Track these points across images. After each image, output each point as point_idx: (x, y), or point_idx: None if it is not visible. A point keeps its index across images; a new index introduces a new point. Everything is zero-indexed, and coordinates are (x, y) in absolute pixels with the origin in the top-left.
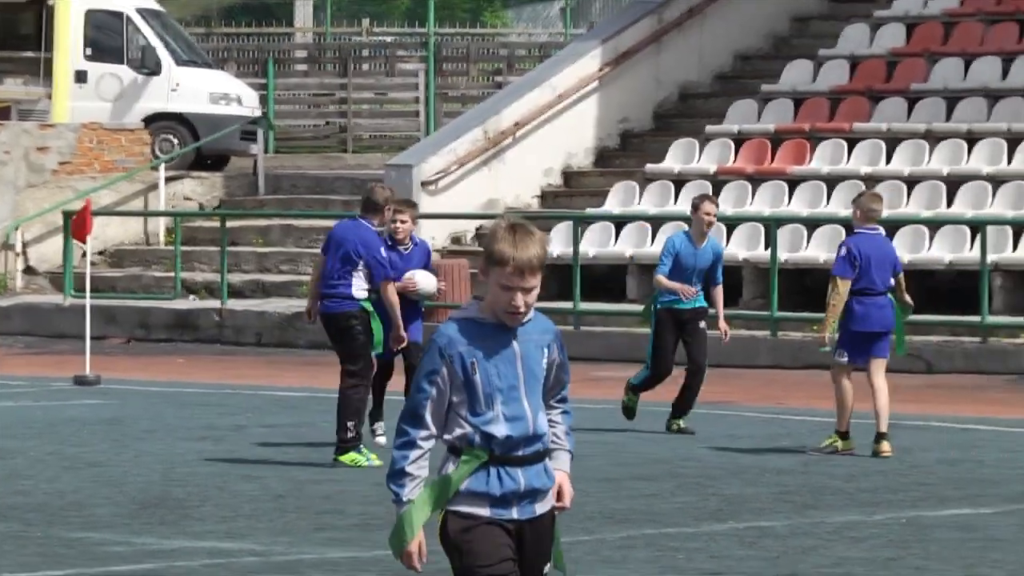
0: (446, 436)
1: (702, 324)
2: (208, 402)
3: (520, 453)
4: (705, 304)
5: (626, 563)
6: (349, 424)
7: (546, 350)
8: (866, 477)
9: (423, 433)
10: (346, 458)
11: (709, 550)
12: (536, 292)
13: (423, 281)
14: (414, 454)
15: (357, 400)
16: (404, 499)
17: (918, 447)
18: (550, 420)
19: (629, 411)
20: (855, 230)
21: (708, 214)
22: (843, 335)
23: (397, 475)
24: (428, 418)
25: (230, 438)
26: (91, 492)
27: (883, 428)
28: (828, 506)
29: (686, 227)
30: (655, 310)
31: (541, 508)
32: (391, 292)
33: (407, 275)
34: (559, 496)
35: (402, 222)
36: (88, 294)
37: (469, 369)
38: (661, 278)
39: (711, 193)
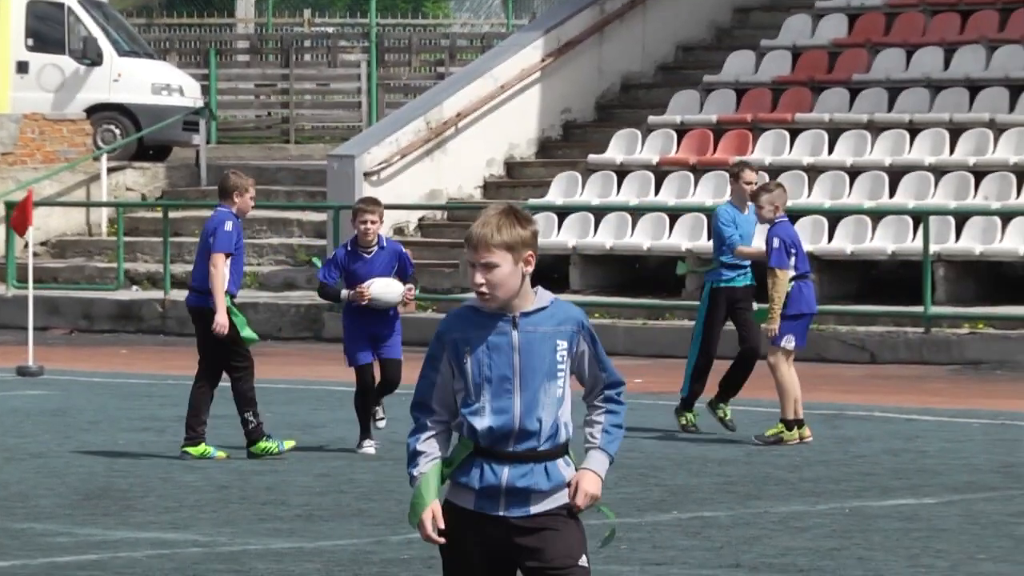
0: (453, 423)
1: (754, 307)
2: (151, 393)
3: (509, 449)
4: (754, 283)
5: None
6: (248, 415)
7: (564, 342)
8: (809, 467)
9: (433, 417)
10: (257, 448)
11: (652, 540)
12: (500, 272)
13: (379, 289)
14: (424, 435)
15: (248, 389)
16: (416, 474)
17: (861, 437)
18: (590, 419)
19: (693, 428)
20: (776, 220)
21: (748, 182)
22: (790, 321)
23: (411, 458)
24: (433, 404)
25: (173, 429)
26: (34, 483)
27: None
28: (772, 496)
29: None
30: (710, 290)
31: (538, 508)
32: (219, 265)
33: (364, 285)
34: (575, 493)
35: (371, 223)
36: (31, 285)
37: (462, 357)
38: (742, 248)
39: (653, 185)
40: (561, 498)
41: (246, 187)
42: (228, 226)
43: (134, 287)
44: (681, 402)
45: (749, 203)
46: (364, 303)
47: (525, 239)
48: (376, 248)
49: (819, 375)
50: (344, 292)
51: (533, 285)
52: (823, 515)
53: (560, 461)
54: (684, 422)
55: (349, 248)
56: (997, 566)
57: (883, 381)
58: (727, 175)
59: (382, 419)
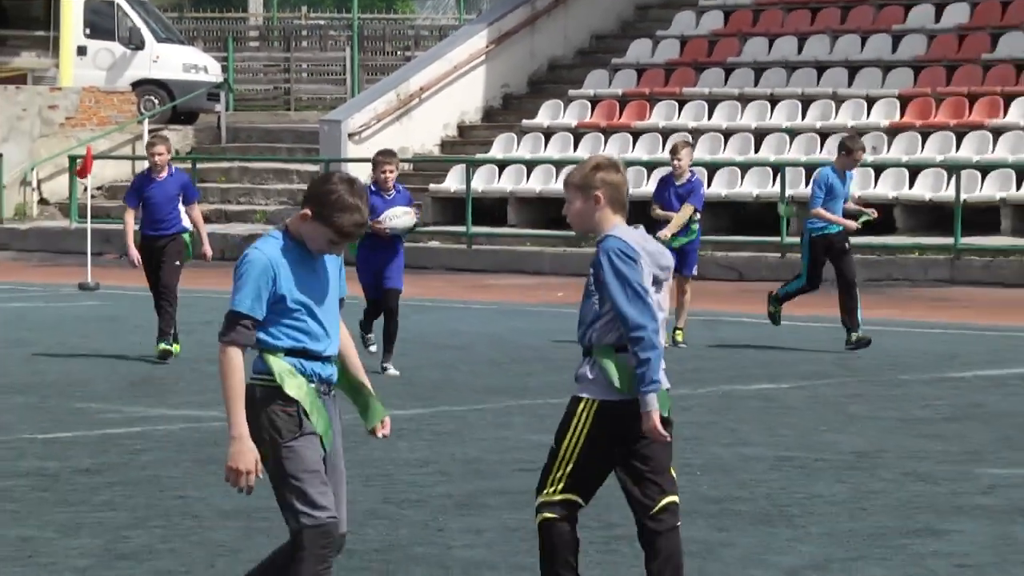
0: None
1: (848, 246)
2: (183, 304)
3: None
4: (843, 230)
5: (507, 427)
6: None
7: (592, 269)
8: (691, 360)
9: None
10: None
11: (557, 417)
12: (571, 207)
13: (393, 216)
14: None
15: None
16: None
17: (733, 338)
18: None
19: (775, 318)
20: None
21: (857, 161)
22: (696, 253)
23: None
24: None
25: (200, 331)
26: (92, 373)
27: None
28: None
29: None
30: (810, 238)
31: None
32: (126, 217)
33: (383, 215)
34: None
35: (390, 171)
36: (89, 220)
37: None
38: (821, 211)
39: (572, 144)
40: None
41: (150, 143)
42: (133, 183)
43: None
44: (773, 297)
45: (849, 172)
46: (386, 231)
47: (592, 182)
48: (395, 192)
49: (700, 291)
50: None
51: (478, 219)
52: (702, 397)
53: (587, 360)
54: (772, 310)
55: (374, 190)
56: (833, 436)
57: (750, 295)
58: (654, 136)
59: (372, 346)
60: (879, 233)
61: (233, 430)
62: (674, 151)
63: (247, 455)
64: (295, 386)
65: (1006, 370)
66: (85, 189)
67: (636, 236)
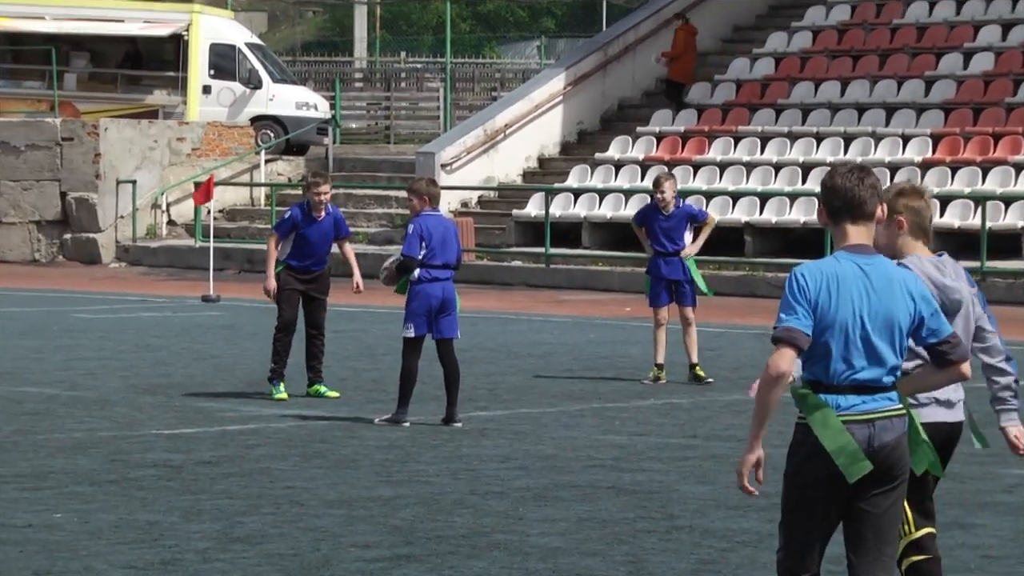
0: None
1: None
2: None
3: None
4: None
5: (579, 427)
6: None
7: None
8: (748, 369)
9: None
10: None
11: (637, 419)
12: (875, 233)
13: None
14: None
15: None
16: None
17: None
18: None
19: None
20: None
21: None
22: None
23: None
24: None
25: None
26: (212, 375)
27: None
28: (720, 389)
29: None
30: None
31: None
32: (269, 243)
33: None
34: None
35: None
36: (212, 239)
37: None
38: None
39: (640, 175)
40: None
41: (310, 184)
42: (286, 215)
43: None
44: None
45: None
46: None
47: (895, 207)
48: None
49: (753, 307)
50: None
51: (556, 242)
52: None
53: None
54: None
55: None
56: None
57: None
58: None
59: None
60: None
61: None
62: (656, 184)
63: None
64: None
65: None
66: (208, 212)
67: (931, 268)
